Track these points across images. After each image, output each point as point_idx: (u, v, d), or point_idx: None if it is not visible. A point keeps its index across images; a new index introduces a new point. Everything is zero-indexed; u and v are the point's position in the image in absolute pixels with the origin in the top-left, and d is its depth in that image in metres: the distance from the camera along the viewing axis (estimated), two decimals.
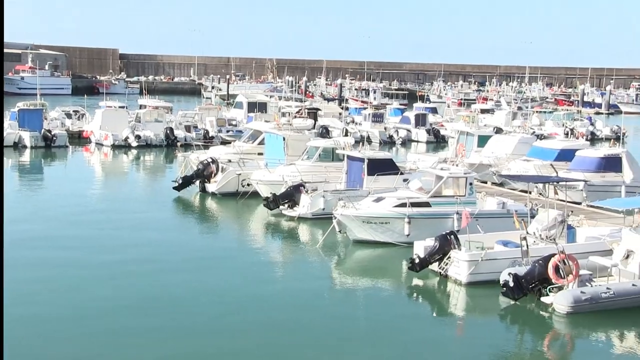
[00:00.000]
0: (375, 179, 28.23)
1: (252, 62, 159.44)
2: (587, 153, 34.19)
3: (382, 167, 29.06)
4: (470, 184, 25.40)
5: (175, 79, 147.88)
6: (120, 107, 56.18)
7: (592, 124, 70.85)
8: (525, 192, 26.24)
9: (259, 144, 36.86)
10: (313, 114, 55.66)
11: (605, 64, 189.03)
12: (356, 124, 62.71)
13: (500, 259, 20.05)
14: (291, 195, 28.91)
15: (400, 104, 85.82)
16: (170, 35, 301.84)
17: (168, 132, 50.69)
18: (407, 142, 60.38)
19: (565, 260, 18.10)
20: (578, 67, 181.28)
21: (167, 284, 19.80)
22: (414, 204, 24.45)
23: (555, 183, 25.70)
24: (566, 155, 35.12)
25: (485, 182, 34.53)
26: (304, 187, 28.89)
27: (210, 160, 33.67)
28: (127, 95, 74.44)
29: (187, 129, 52.91)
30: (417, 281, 20.97)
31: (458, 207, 23.96)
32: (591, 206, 27.79)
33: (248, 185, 31.90)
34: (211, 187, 32.99)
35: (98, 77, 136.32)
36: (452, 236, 20.92)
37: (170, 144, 49.63)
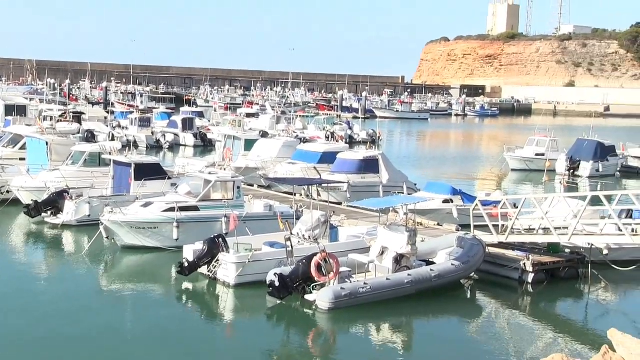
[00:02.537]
0: (143, 183, 27.97)
1: (10, 63, 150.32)
2: (347, 156, 36.09)
3: (150, 171, 28.82)
4: (238, 187, 25.93)
5: None
6: None
7: (350, 128, 74.67)
8: (291, 194, 27.25)
9: (21, 148, 35.06)
10: (77, 118, 53.79)
11: (361, 71, 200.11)
12: (123, 128, 61.40)
13: (267, 260, 20.74)
14: (54, 202, 27.84)
15: (167, 108, 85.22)
16: None
17: None
18: (174, 147, 60.13)
19: (327, 259, 19.11)
20: (337, 74, 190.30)
21: None
22: (182, 208, 24.55)
23: (318, 185, 26.95)
24: (328, 158, 36.83)
25: (252, 185, 35.31)
26: (68, 193, 27.93)
27: None
28: None
29: None
30: (186, 285, 21.08)
31: (226, 211, 24.38)
32: (351, 206, 29.44)
33: (8, 192, 30.24)
34: None
35: None
36: (221, 239, 21.29)
37: None
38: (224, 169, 28.46)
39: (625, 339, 8.18)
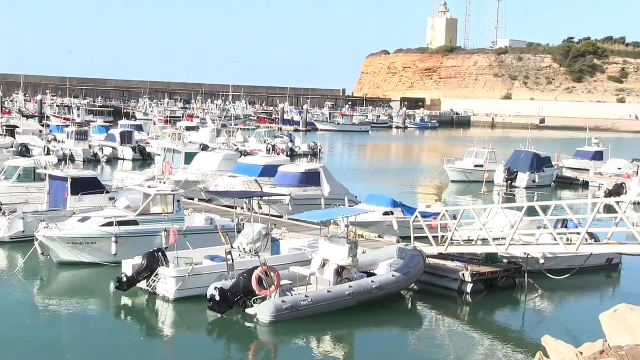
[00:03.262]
0: (80, 198, 27.49)
1: None
2: (289, 169, 36.11)
3: (87, 186, 28.36)
4: (178, 201, 25.69)
5: None
6: None
7: (291, 141, 74.76)
8: (232, 207, 27.10)
9: None
10: (11, 131, 52.65)
11: (302, 84, 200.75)
12: (59, 142, 60.35)
13: (208, 274, 20.57)
14: None
15: (105, 122, 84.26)
16: None
17: None
18: (112, 160, 59.30)
19: (268, 272, 19.05)
20: (278, 87, 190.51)
21: None
22: (121, 223, 24.19)
23: (260, 198, 26.89)
24: (269, 171, 36.78)
25: (193, 199, 35.04)
26: (1, 210, 27.29)
27: None
28: None
29: None
30: (125, 300, 20.77)
31: (166, 225, 24.12)
32: (292, 219, 29.43)
33: None
34: None
35: None
36: (160, 253, 21.05)
37: None
38: (164, 183, 28.19)
39: (558, 345, 8.35)
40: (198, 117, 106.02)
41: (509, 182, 51.76)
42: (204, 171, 38.27)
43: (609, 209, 24.47)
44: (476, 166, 54.65)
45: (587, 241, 21.85)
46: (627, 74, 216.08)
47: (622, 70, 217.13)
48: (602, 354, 6.98)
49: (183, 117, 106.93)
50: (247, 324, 18.84)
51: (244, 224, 24.81)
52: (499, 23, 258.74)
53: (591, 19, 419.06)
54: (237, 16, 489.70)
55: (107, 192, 28.88)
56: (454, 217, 25.59)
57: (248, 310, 19.14)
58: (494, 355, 17.36)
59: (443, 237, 23.78)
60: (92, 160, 57.24)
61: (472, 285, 22.48)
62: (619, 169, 58.50)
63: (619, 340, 8.31)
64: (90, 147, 59.28)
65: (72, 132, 59.89)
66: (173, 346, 18.10)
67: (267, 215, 25.44)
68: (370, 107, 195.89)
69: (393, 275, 21.28)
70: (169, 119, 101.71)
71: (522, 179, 52.25)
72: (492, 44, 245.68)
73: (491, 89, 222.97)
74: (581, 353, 8.19)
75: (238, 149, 57.37)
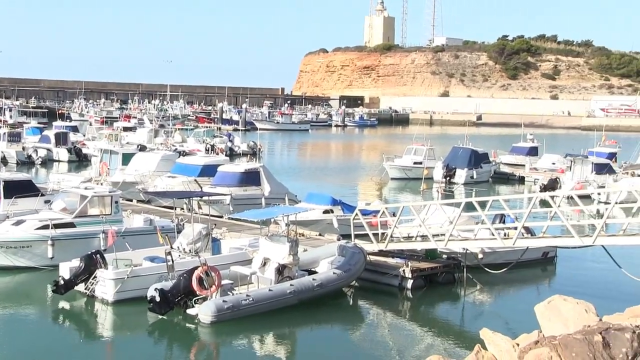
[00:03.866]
0: (14, 201, 26.87)
1: None
2: (228, 168, 35.96)
3: (21, 188, 27.72)
4: (116, 202, 25.32)
5: None
6: None
7: (230, 140, 74.40)
8: (172, 208, 26.85)
9: None
10: None
11: (240, 83, 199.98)
12: None
13: (147, 275, 20.34)
14: None
15: (39, 123, 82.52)
16: None
17: None
18: (47, 162, 58.09)
19: (208, 272, 18.94)
20: (216, 86, 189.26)
21: None
22: (57, 225, 23.72)
23: (199, 198, 26.68)
24: (208, 170, 36.57)
25: (132, 200, 34.60)
26: None
27: None
28: None
29: None
30: (63, 304, 20.39)
31: (104, 226, 23.76)
32: (232, 218, 29.31)
33: None
34: None
35: None
36: (98, 255, 20.74)
37: None
38: (101, 184, 27.76)
39: (496, 337, 8.52)
40: (135, 118, 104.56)
41: (448, 178, 52.47)
42: (142, 172, 37.83)
43: (544, 203, 25.00)
44: (415, 163, 55.25)
45: (523, 235, 22.34)
46: (559, 71, 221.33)
47: (555, 67, 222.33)
48: (537, 344, 7.16)
49: (120, 118, 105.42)
50: (188, 325, 18.70)
51: (183, 224, 24.62)
52: (435, 21, 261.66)
53: (524, 18, 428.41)
54: (174, 15, 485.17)
55: (42, 195, 28.28)
56: (394, 214, 25.83)
57: (189, 311, 19.00)
58: (435, 350, 17.59)
59: (383, 234, 23.97)
60: (26, 162, 56.00)
61: (412, 281, 22.73)
62: (553, 164, 59.90)
63: (553, 330, 8.53)
64: (23, 148, 57.99)
65: (4, 133, 58.49)
66: (113, 349, 17.84)
67: (207, 215, 25.29)
68: (310, 106, 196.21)
69: (334, 273, 21.38)
70: (105, 119, 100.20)
71: (461, 175, 53.02)
72: (429, 42, 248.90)
73: (429, 87, 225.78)
74: (517, 344, 8.37)
75: (176, 149, 56.84)
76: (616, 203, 21.44)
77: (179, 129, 77.41)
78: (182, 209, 28.52)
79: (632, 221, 21.81)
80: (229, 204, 32.09)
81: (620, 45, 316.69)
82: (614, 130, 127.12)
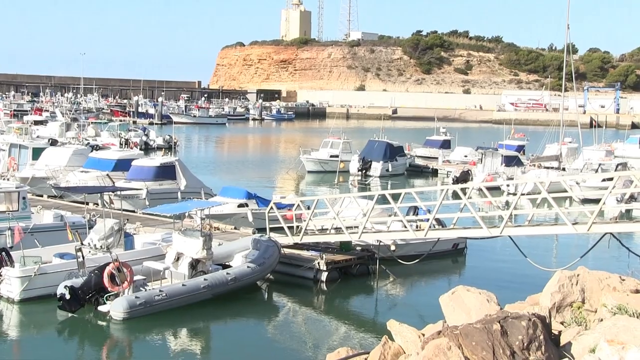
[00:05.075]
0: None
1: None
2: (143, 162, 35.42)
3: None
4: (24, 198, 24.64)
5: None
6: None
7: (146, 134, 73.28)
8: (83, 203, 26.34)
9: None
10: None
11: (156, 76, 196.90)
12: None
13: (56, 272, 19.89)
14: None
15: None
16: None
17: None
18: None
19: (120, 268, 18.68)
20: (132, 79, 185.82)
21: None
22: None
23: (111, 192, 26.24)
24: (123, 165, 35.97)
25: (42, 196, 33.74)
26: None
27: None
28: None
29: None
30: None
31: (10, 223, 23.08)
32: (147, 213, 28.93)
33: None
34: None
35: None
36: (4, 253, 20.18)
37: None
38: (8, 179, 26.97)
39: (402, 328, 8.72)
40: (47, 111, 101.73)
41: (364, 171, 53.09)
42: (53, 166, 36.89)
43: (457, 195, 25.60)
44: (331, 156, 55.68)
45: (435, 227, 22.80)
46: (472, 66, 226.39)
47: (467, 62, 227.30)
48: (439, 334, 7.36)
49: (31, 111, 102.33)
50: (100, 322, 18.42)
51: (95, 219, 24.17)
52: (351, 16, 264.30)
53: (438, 14, 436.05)
54: (87, 6, 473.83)
55: None
56: (309, 207, 26.00)
57: (100, 308, 18.70)
58: (348, 342, 17.82)
59: (298, 227, 24.11)
60: None
61: (326, 273, 22.96)
62: (465, 156, 61.32)
63: (456, 320, 8.78)
64: None
65: None
66: (20, 349, 17.41)
67: (120, 210, 24.89)
68: (227, 99, 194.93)
69: (248, 267, 21.40)
70: (15, 112, 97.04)
71: (376, 168, 53.69)
72: (345, 36, 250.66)
73: (345, 81, 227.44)
74: (423, 334, 8.58)
75: (89, 143, 55.58)
76: (522, 194, 22.05)
77: (92, 122, 75.74)
78: (96, 204, 27.98)
79: (537, 212, 22.53)
80: (144, 199, 31.67)
81: (528, 42, 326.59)
82: (522, 124, 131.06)
